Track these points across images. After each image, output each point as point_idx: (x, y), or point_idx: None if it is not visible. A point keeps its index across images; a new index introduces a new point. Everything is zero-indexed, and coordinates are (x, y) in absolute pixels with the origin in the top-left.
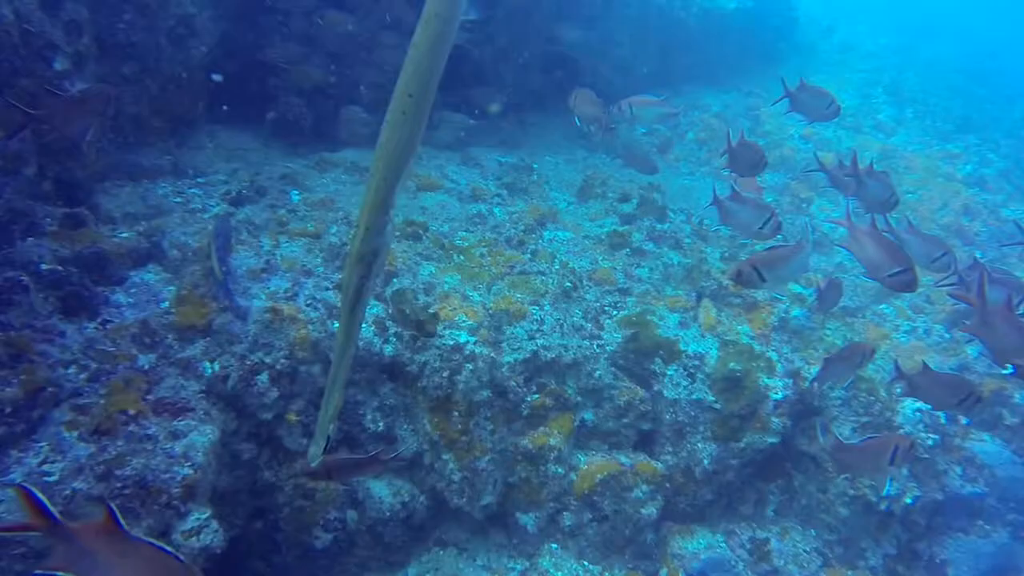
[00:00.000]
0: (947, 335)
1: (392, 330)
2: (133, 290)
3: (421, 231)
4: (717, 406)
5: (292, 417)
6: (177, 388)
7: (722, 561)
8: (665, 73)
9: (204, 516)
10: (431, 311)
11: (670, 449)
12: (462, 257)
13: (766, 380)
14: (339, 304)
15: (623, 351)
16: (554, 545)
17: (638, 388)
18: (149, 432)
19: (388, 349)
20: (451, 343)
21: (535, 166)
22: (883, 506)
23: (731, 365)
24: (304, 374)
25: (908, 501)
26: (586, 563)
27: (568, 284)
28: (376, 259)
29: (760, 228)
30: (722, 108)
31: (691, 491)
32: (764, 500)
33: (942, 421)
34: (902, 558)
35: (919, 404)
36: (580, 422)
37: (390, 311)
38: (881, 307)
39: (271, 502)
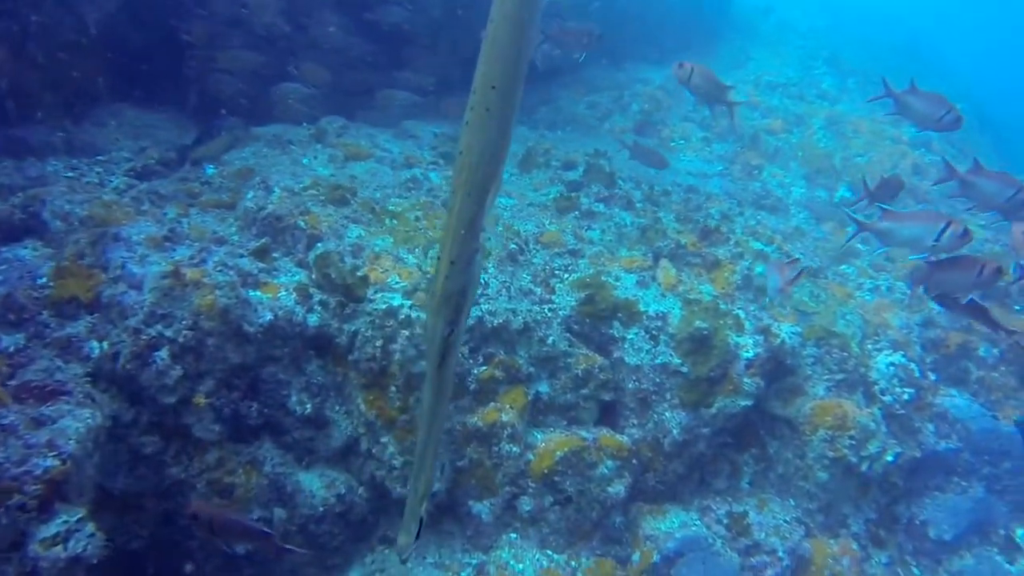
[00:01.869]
0: (908, 290)
1: (317, 298)
2: (2, 266)
3: (348, 195)
4: (684, 369)
5: (200, 400)
6: (50, 371)
7: (698, 539)
8: (608, 51)
9: (75, 518)
10: (360, 274)
11: (635, 421)
12: (395, 221)
13: (735, 338)
14: (425, 358)
15: (578, 315)
16: (513, 534)
17: (596, 355)
18: (3, 421)
19: (312, 319)
20: (383, 307)
21: None
22: (864, 466)
23: (697, 323)
24: (212, 348)
25: (889, 459)
26: (550, 552)
27: (513, 246)
28: (465, 299)
29: (935, 241)
30: (665, 80)
31: (660, 466)
32: (738, 472)
33: (916, 375)
34: (883, 522)
35: (893, 358)
36: (534, 395)
37: (313, 276)
38: (842, 267)
39: (182, 503)
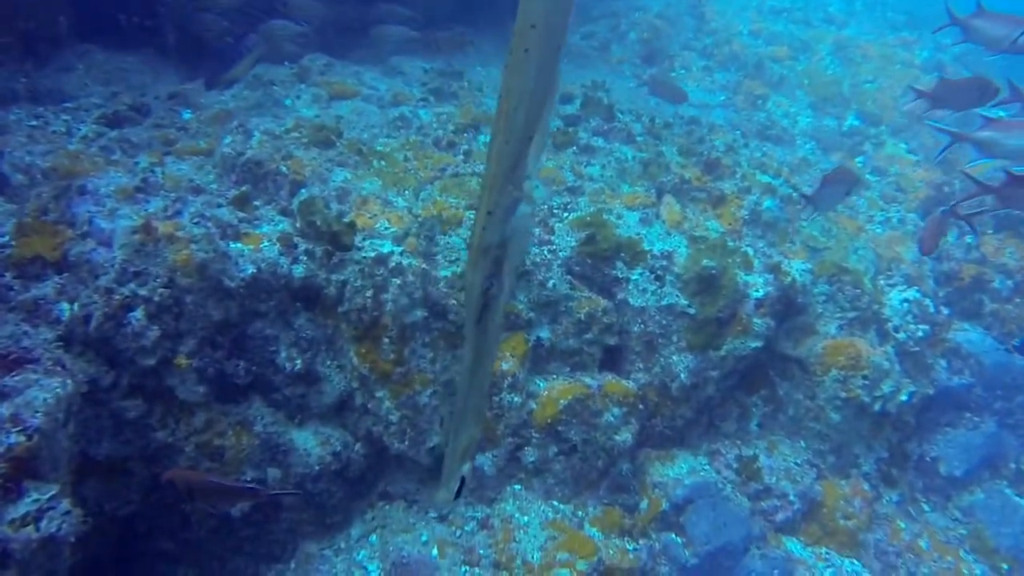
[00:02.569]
0: (921, 222)
1: (302, 247)
2: None
3: (334, 136)
4: (691, 311)
5: (182, 361)
6: (16, 337)
7: (707, 485)
8: None
9: (47, 496)
10: (346, 220)
11: (641, 365)
12: (383, 163)
13: (744, 277)
14: (464, 310)
15: (579, 256)
16: (517, 486)
17: (599, 298)
18: None
19: (298, 270)
20: (372, 255)
21: (465, 71)
22: (877, 406)
23: (704, 262)
24: (191, 305)
25: (903, 398)
26: (555, 502)
27: None
28: (506, 252)
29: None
30: (664, 7)
31: (668, 411)
32: (747, 414)
33: (930, 310)
34: (894, 460)
35: (907, 294)
36: (535, 342)
37: (298, 225)
38: (851, 199)
39: (171, 467)
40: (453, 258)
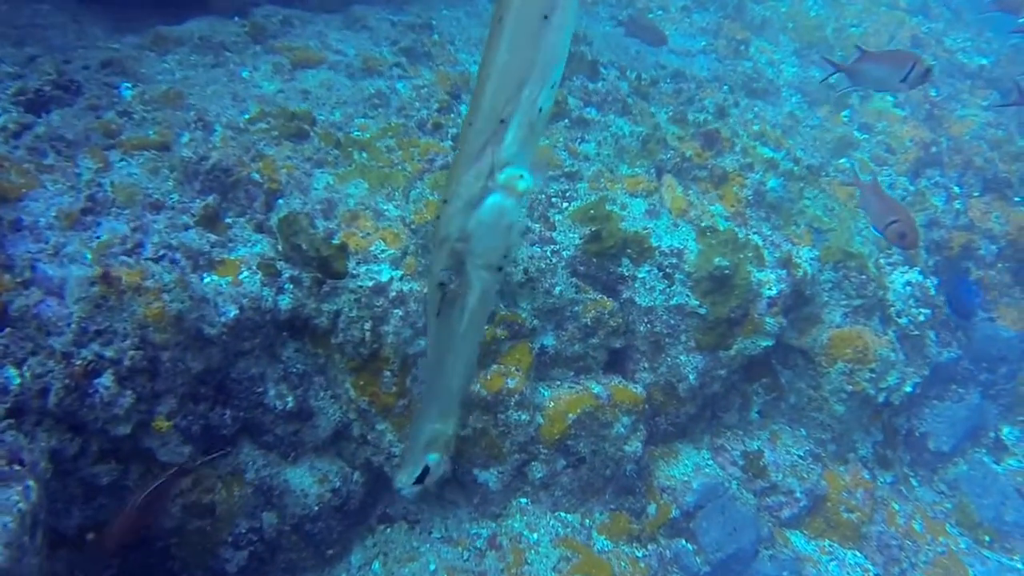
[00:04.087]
0: (911, 187)
1: (286, 274)
2: None
3: (306, 125)
4: (702, 311)
5: (162, 424)
6: None
7: (716, 487)
8: None
9: None
10: (336, 241)
11: (646, 365)
12: (364, 154)
13: (757, 274)
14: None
15: (583, 254)
16: (523, 500)
17: (606, 299)
18: None
19: (284, 301)
20: (370, 284)
21: (433, 22)
22: (881, 398)
23: (717, 260)
24: (169, 363)
25: (908, 390)
26: (562, 514)
27: None
28: (468, 247)
29: (902, 80)
30: None
31: (673, 409)
32: (748, 402)
33: (931, 292)
34: (888, 442)
35: (909, 275)
36: (539, 349)
37: (280, 247)
38: (842, 161)
39: (155, 528)
40: None
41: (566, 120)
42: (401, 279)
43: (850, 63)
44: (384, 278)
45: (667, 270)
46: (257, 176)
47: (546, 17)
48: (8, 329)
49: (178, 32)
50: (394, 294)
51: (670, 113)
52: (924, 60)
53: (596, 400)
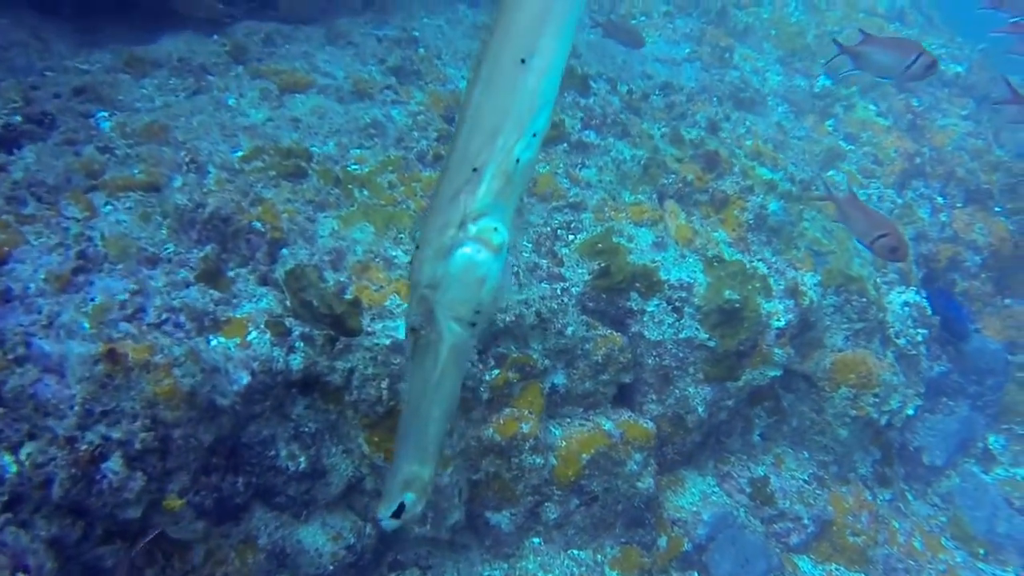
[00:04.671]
0: (899, 200)
1: (297, 331)
2: None
3: (303, 162)
4: (712, 344)
5: (174, 503)
6: None
7: (726, 516)
8: None
9: None
10: (348, 296)
11: (654, 397)
12: (366, 192)
13: (766, 305)
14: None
15: (592, 290)
16: (536, 539)
17: (616, 335)
18: None
19: (296, 361)
20: (387, 342)
21: (416, 33)
22: (883, 420)
23: (727, 294)
24: (181, 440)
25: (910, 412)
26: (574, 551)
27: None
28: (437, 295)
29: (907, 69)
30: None
31: (680, 439)
32: (751, 426)
33: (928, 312)
34: (886, 459)
35: (907, 295)
36: (550, 388)
37: (288, 303)
38: (830, 173)
39: None
40: None
41: (565, 144)
42: None
43: (855, 45)
44: (402, 335)
45: (676, 304)
46: (259, 225)
47: (523, 61)
48: (2, 410)
49: (154, 53)
50: None
51: (664, 130)
52: (929, 52)
53: (608, 439)
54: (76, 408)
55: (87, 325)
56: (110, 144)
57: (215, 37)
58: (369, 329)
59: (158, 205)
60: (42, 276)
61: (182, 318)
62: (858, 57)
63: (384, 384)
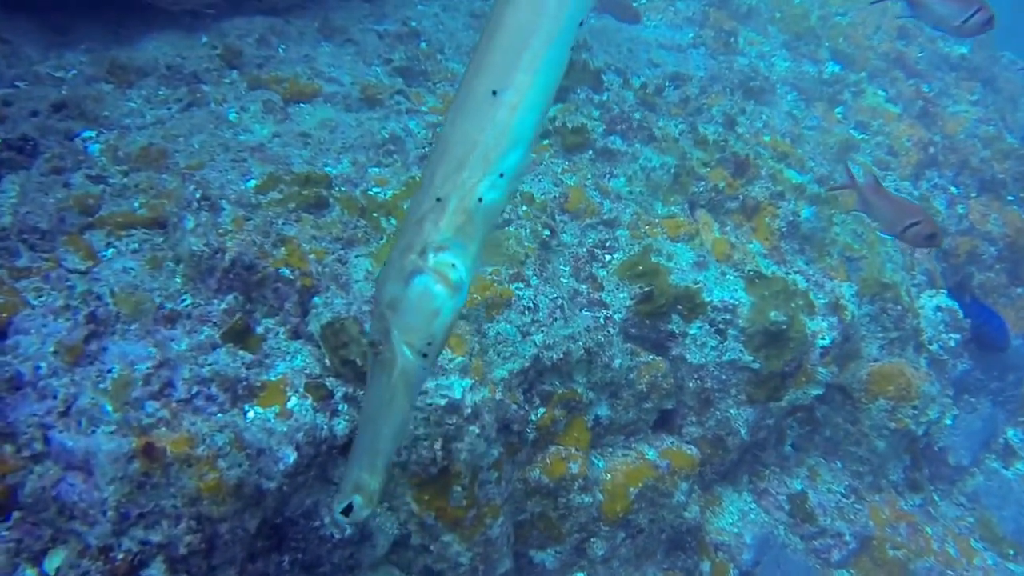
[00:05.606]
0: (915, 191)
1: (340, 392)
2: None
3: (323, 190)
4: (756, 366)
5: None
6: None
7: (767, 536)
8: None
9: None
10: None
11: (694, 419)
12: (393, 221)
13: (811, 325)
14: None
15: (635, 315)
16: (580, 574)
17: (659, 361)
18: None
19: (340, 425)
20: (443, 402)
21: (412, 23)
22: (921, 431)
23: (772, 315)
24: (227, 535)
25: (948, 422)
26: None
27: (546, 232)
28: (394, 316)
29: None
30: None
31: (719, 459)
32: (783, 436)
33: (960, 315)
34: (916, 464)
35: (937, 299)
36: (594, 420)
37: (327, 362)
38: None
39: None
40: (508, 353)
41: (590, 151)
42: (472, 388)
43: None
44: (457, 394)
45: (719, 326)
46: (287, 272)
47: (495, 93)
48: (16, 514)
49: (139, 59)
50: (469, 411)
51: (682, 127)
52: (988, 7)
53: (655, 470)
54: (110, 513)
55: (110, 407)
56: (103, 172)
57: (204, 39)
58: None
59: (168, 248)
60: (51, 349)
61: (214, 389)
62: (917, 5)
63: (438, 445)
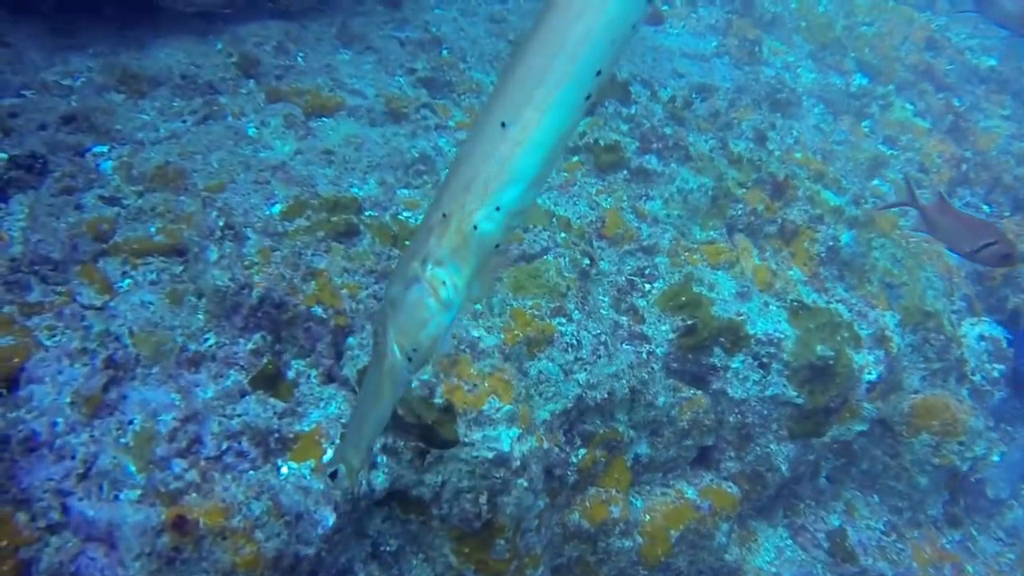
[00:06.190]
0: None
1: (378, 443)
2: None
3: (353, 216)
4: (799, 401)
5: None
6: None
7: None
8: None
9: None
10: (439, 401)
11: (732, 454)
12: None
13: (857, 359)
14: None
15: (677, 350)
16: None
17: (701, 396)
18: None
19: (380, 479)
20: (490, 455)
21: (432, 29)
22: (966, 467)
23: (819, 349)
24: None
25: (995, 459)
26: None
27: (586, 261)
28: (393, 312)
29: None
30: None
31: (756, 495)
32: (817, 468)
33: (1004, 345)
34: (954, 498)
35: (980, 327)
36: (633, 459)
37: None
38: (874, 182)
39: None
40: (551, 393)
41: (625, 171)
42: (519, 439)
43: None
44: (505, 447)
45: (763, 359)
46: (319, 311)
47: (503, 125)
48: None
49: (151, 68)
50: (517, 463)
51: (712, 143)
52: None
53: (697, 512)
54: None
55: (133, 468)
56: (116, 193)
57: (218, 46)
58: (467, 439)
59: (188, 280)
60: (68, 399)
61: (244, 444)
62: (985, 4)
63: (483, 499)
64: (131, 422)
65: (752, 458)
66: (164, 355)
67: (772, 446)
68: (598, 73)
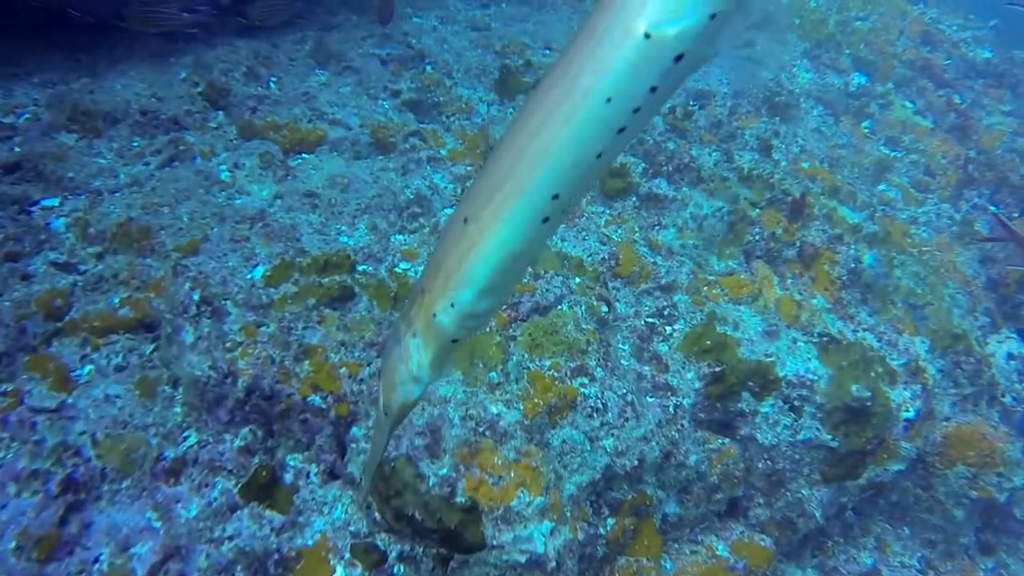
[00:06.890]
0: (957, 216)
1: (394, 552)
2: None
3: (347, 276)
4: (834, 444)
5: None
6: None
7: None
8: None
9: None
10: (460, 499)
11: (762, 501)
12: None
13: (894, 396)
14: None
15: (705, 399)
16: None
17: (730, 446)
18: None
19: None
20: (522, 559)
21: (412, 41)
22: (1003, 497)
23: (855, 390)
24: None
25: None
26: None
27: (604, 308)
28: (383, 363)
29: None
30: None
31: (787, 540)
32: (844, 504)
33: None
34: (986, 524)
35: (1008, 346)
36: (661, 519)
37: (379, 517)
38: (881, 188)
39: None
40: (576, 464)
41: (634, 197)
42: (553, 533)
43: None
44: (540, 548)
45: (794, 403)
46: (317, 400)
47: (465, 221)
48: None
49: (106, 103)
50: (553, 564)
51: (716, 156)
52: None
53: (731, 574)
54: None
55: None
56: (71, 258)
57: (182, 74)
58: (495, 542)
59: (160, 363)
60: (12, 545)
61: (239, 574)
62: None
63: None
64: (97, 560)
65: (783, 504)
66: (135, 465)
67: (804, 491)
68: (555, 197)
